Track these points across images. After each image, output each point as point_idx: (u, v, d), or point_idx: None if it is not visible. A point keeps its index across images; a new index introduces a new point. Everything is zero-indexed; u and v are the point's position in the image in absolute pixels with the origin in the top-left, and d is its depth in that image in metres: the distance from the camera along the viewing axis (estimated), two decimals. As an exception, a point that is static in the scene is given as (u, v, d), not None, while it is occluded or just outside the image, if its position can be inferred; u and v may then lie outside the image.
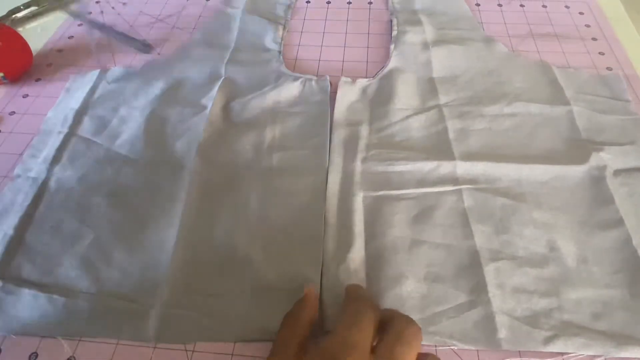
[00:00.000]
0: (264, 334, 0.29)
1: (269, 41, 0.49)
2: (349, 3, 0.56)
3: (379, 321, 0.24)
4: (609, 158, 0.36)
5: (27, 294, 0.31)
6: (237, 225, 0.34)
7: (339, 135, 0.39)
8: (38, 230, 0.34)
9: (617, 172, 0.36)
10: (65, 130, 0.41)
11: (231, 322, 0.30)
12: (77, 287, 0.31)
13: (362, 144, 0.39)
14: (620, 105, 0.41)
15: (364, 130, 0.40)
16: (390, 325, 0.23)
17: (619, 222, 0.33)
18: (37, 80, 0.48)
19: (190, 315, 0.30)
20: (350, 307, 0.24)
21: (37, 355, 0.29)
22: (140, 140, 0.40)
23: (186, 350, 0.29)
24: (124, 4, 0.58)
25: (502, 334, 0.28)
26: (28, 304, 0.30)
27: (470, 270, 0.31)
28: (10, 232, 0.34)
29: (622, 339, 0.28)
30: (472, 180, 0.36)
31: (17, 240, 0.34)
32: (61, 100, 0.45)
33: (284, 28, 0.52)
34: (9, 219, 0.35)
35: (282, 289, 0.31)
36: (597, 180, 0.35)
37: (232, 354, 0.29)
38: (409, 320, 0.24)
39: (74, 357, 0.29)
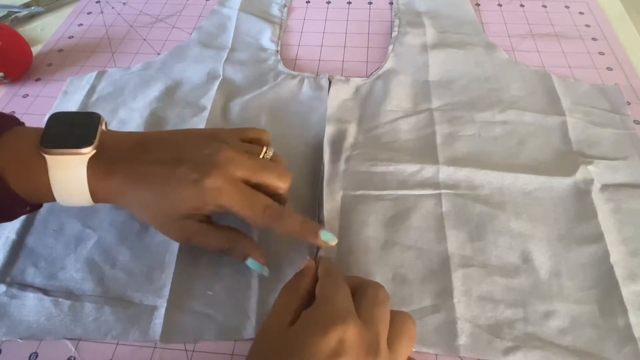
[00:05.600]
0: None
1: (266, 40, 0.49)
2: (349, 3, 0.56)
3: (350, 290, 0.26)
4: (597, 172, 0.36)
5: (32, 297, 0.31)
6: (239, 223, 0.34)
7: (327, 132, 0.39)
8: (40, 234, 0.34)
9: (605, 187, 0.35)
10: (65, 132, 0.41)
11: (236, 321, 0.30)
12: (82, 290, 0.31)
13: (347, 142, 0.39)
14: (617, 118, 0.40)
15: (352, 129, 0.40)
16: (364, 291, 0.26)
17: (599, 238, 0.32)
18: (37, 80, 0.48)
19: (195, 315, 0.30)
20: (328, 280, 0.26)
21: (37, 355, 0.29)
22: None
23: (186, 350, 0.29)
24: (124, 4, 0.58)
25: (462, 340, 0.28)
26: (33, 308, 0.30)
27: (439, 275, 0.31)
28: (13, 236, 0.34)
29: (586, 356, 0.28)
30: (453, 186, 0.36)
31: (20, 244, 0.34)
32: (59, 103, 0.44)
33: (281, 27, 0.52)
34: (10, 223, 0.35)
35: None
36: (582, 194, 0.35)
37: (232, 354, 0.29)
38: (378, 285, 0.26)
39: (74, 357, 0.29)
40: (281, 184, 0.30)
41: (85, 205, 0.29)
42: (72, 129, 0.29)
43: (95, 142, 0.28)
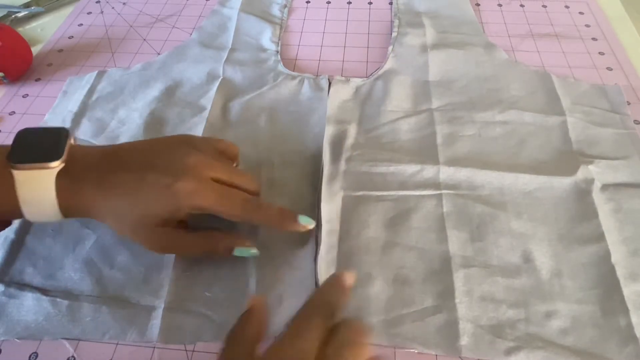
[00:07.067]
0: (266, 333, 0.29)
1: (266, 41, 0.49)
2: (349, 3, 0.56)
3: (331, 325, 0.23)
4: (597, 172, 0.36)
5: (30, 297, 0.31)
6: (239, 224, 0.34)
7: (328, 133, 0.39)
8: (39, 234, 0.34)
9: (605, 187, 0.35)
10: (64, 132, 0.41)
11: (234, 322, 0.30)
12: (80, 290, 0.31)
13: (348, 143, 0.39)
14: (617, 118, 0.40)
15: (352, 130, 0.40)
16: (338, 330, 0.23)
17: (600, 238, 0.32)
18: (37, 80, 0.48)
19: (193, 315, 0.30)
20: (300, 313, 0.23)
21: (37, 355, 0.29)
22: None
23: (186, 350, 0.29)
24: (124, 4, 0.58)
25: (464, 341, 0.28)
26: (31, 308, 0.30)
27: (440, 275, 0.31)
28: (12, 235, 0.34)
29: (588, 356, 0.28)
30: (454, 186, 0.36)
31: (18, 243, 0.34)
32: (58, 103, 0.44)
33: (281, 27, 0.52)
34: None
35: (282, 287, 0.31)
36: (583, 193, 0.35)
37: (231, 354, 0.29)
38: (357, 325, 0.23)
39: (74, 357, 0.29)
40: (252, 187, 0.30)
41: (54, 220, 0.29)
42: (40, 144, 0.28)
43: (64, 156, 0.28)
